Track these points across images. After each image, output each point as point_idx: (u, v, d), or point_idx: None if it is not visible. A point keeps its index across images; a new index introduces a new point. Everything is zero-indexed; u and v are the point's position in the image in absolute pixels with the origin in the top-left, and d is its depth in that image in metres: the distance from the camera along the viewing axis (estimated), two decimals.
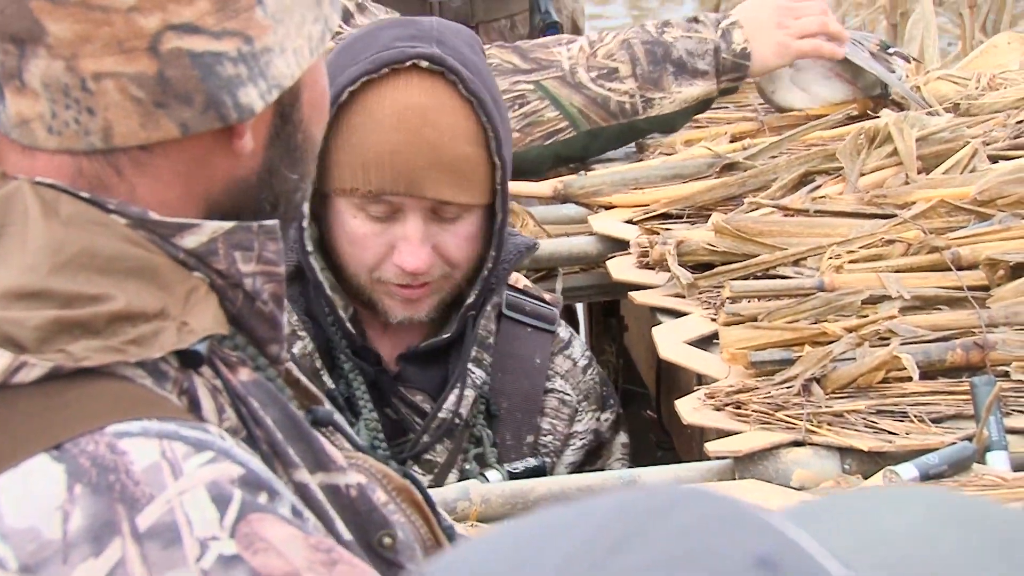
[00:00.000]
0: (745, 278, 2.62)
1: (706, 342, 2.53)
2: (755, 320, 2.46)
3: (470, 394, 2.44)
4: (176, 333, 1.30)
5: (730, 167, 3.04)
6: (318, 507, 1.33)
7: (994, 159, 2.98)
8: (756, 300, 2.53)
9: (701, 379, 2.46)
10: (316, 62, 1.42)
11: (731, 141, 3.23)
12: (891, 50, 3.38)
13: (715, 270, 2.67)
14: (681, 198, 2.94)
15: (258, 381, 1.35)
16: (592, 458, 2.57)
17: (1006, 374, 2.33)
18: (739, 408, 2.32)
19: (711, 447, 2.24)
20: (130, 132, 1.34)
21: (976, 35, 8.89)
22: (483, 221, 2.41)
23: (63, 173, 1.35)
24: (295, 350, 2.45)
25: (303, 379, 1.48)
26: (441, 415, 2.42)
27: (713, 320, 2.54)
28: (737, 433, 2.28)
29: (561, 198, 3.08)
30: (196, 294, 1.33)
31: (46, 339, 1.27)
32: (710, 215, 2.83)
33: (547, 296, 2.58)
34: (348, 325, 2.44)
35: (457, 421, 2.43)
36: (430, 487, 2.41)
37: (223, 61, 1.35)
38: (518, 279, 2.58)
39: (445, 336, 2.44)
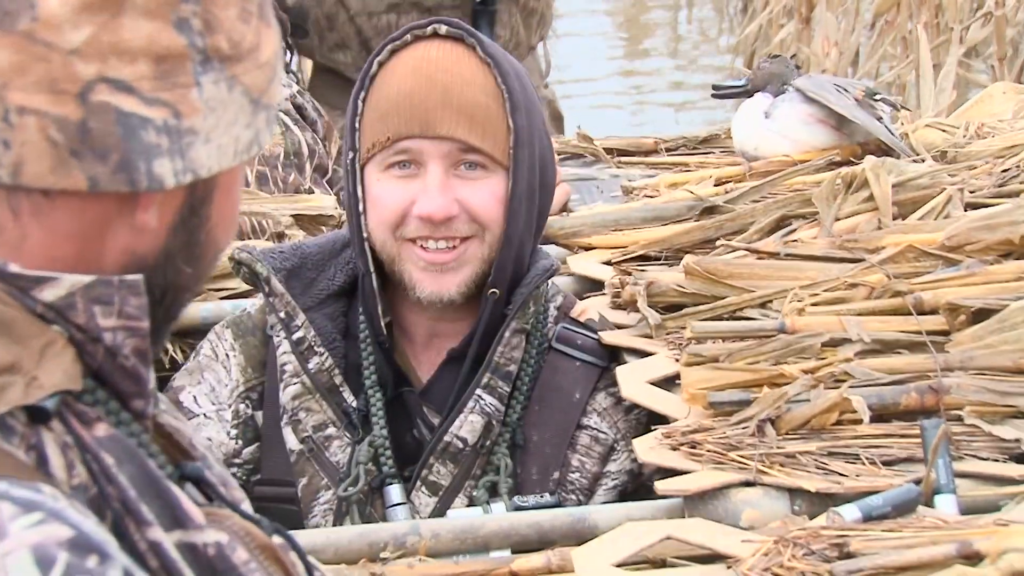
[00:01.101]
0: (712, 320, 2.64)
1: (670, 382, 2.55)
2: (716, 361, 2.48)
3: (476, 420, 2.46)
4: (23, 389, 1.30)
5: (710, 210, 3.07)
6: (172, 566, 1.32)
7: (976, 207, 2.99)
8: (719, 341, 2.55)
9: (666, 420, 2.47)
10: (237, 169, 1.42)
11: (715, 185, 3.26)
12: (877, 96, 3.40)
13: (683, 311, 2.69)
14: (659, 240, 2.97)
15: (115, 437, 1.35)
16: (629, 500, 2.51)
17: (960, 418, 2.34)
18: (694, 448, 2.34)
19: (660, 486, 2.26)
20: (39, 174, 1.33)
21: (1010, 84, 8.90)
22: (507, 191, 2.45)
23: None
24: (310, 365, 2.50)
25: (178, 432, 1.47)
26: (446, 438, 2.46)
27: (678, 360, 2.56)
28: (689, 472, 2.30)
29: (542, 239, 3.11)
30: (52, 348, 1.33)
31: None
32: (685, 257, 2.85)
33: (606, 337, 2.57)
34: (383, 334, 2.48)
35: (461, 446, 2.45)
36: (434, 511, 2.44)
37: (148, 127, 1.34)
38: (584, 311, 2.60)
39: (470, 336, 2.47)
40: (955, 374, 2.40)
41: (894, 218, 2.92)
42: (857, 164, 3.17)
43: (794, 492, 2.24)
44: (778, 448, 2.30)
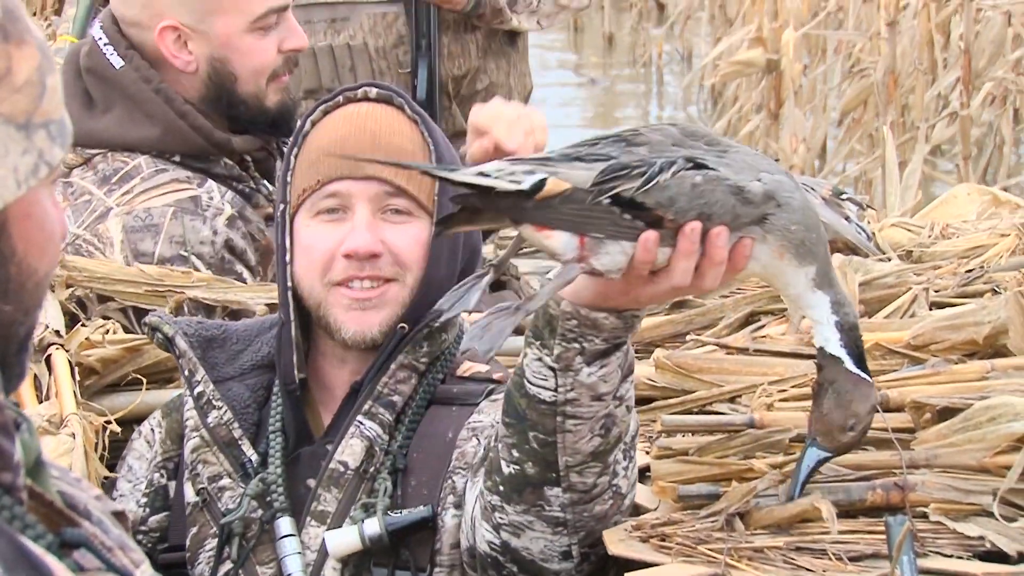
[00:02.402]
0: (682, 413, 2.68)
1: (640, 474, 2.57)
2: (686, 454, 2.51)
3: (356, 444, 2.53)
4: None
5: (680, 304, 3.11)
6: None
7: (940, 306, 3.04)
8: (689, 435, 2.58)
9: (638, 509, 2.50)
10: (31, 194, 1.40)
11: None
12: (844, 196, 3.45)
13: (653, 404, 2.73)
14: None
15: None
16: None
17: (925, 515, 2.38)
18: (664, 540, 2.37)
19: None
20: None
21: (975, 185, 9.03)
22: (429, 238, 2.56)
23: None
24: (209, 419, 2.59)
25: (58, 500, 1.46)
26: (331, 465, 2.50)
27: (647, 452, 2.59)
28: (659, 564, 2.32)
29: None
30: None
31: None
32: (656, 350, 2.89)
33: (496, 375, 2.63)
34: (293, 383, 2.57)
35: (342, 470, 2.51)
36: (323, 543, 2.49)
37: None
38: (469, 368, 2.65)
39: (375, 362, 2.55)
40: (920, 471, 2.43)
41: (860, 316, 2.96)
42: None
43: None
44: (746, 543, 2.33)
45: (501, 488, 2.33)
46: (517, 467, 2.31)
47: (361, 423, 2.55)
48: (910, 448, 2.49)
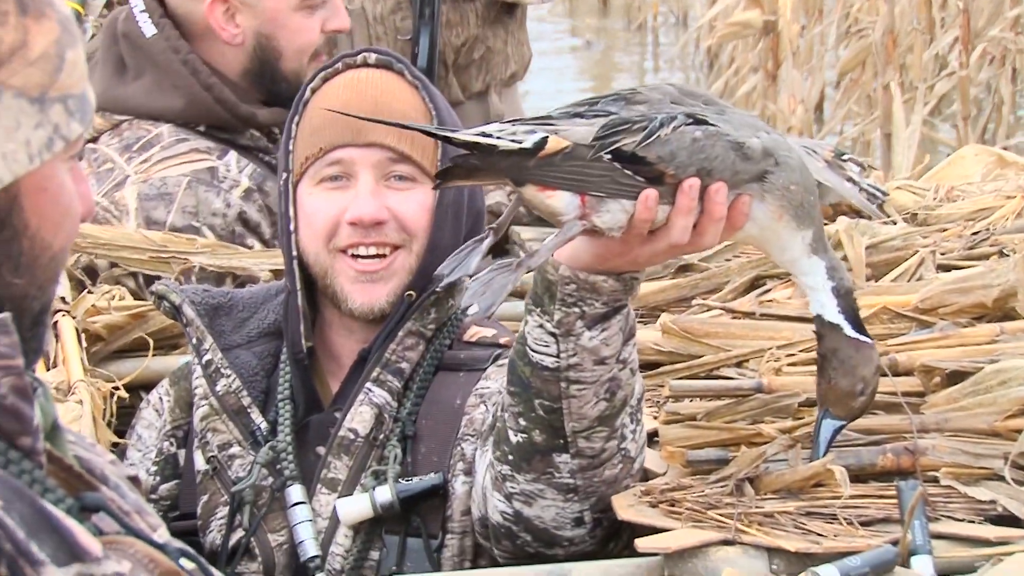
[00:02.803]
0: (689, 378, 2.67)
1: (648, 439, 2.57)
2: (694, 419, 2.51)
3: (366, 411, 2.53)
4: None
5: (685, 268, 3.10)
6: None
7: (947, 268, 3.03)
8: (697, 400, 2.57)
9: (646, 474, 2.50)
10: (46, 168, 1.40)
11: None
12: (845, 157, 3.44)
13: (660, 369, 2.72)
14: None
15: (1, 478, 1.36)
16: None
17: (936, 480, 2.37)
18: (673, 505, 2.36)
19: (641, 543, 2.28)
20: None
21: (980, 146, 9.00)
22: (434, 202, 2.55)
23: None
24: (217, 387, 2.58)
25: (88, 463, 1.48)
26: (340, 433, 2.50)
27: (655, 418, 2.59)
28: (669, 530, 2.32)
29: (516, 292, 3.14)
30: None
31: None
32: (661, 315, 2.88)
33: (503, 339, 2.62)
34: (301, 352, 2.56)
35: (352, 437, 2.50)
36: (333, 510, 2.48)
37: None
38: (476, 333, 2.64)
39: (383, 330, 2.54)
40: (931, 436, 2.43)
41: (867, 279, 2.96)
42: (829, 225, 3.20)
43: (772, 551, 2.26)
44: (756, 507, 2.33)
45: (510, 457, 2.32)
46: (525, 435, 2.30)
47: (370, 390, 2.54)
48: (920, 412, 2.48)
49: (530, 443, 2.30)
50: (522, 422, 2.29)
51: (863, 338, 2.32)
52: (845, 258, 2.97)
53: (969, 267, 3.01)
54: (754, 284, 2.99)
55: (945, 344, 2.61)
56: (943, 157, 9.13)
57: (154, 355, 2.83)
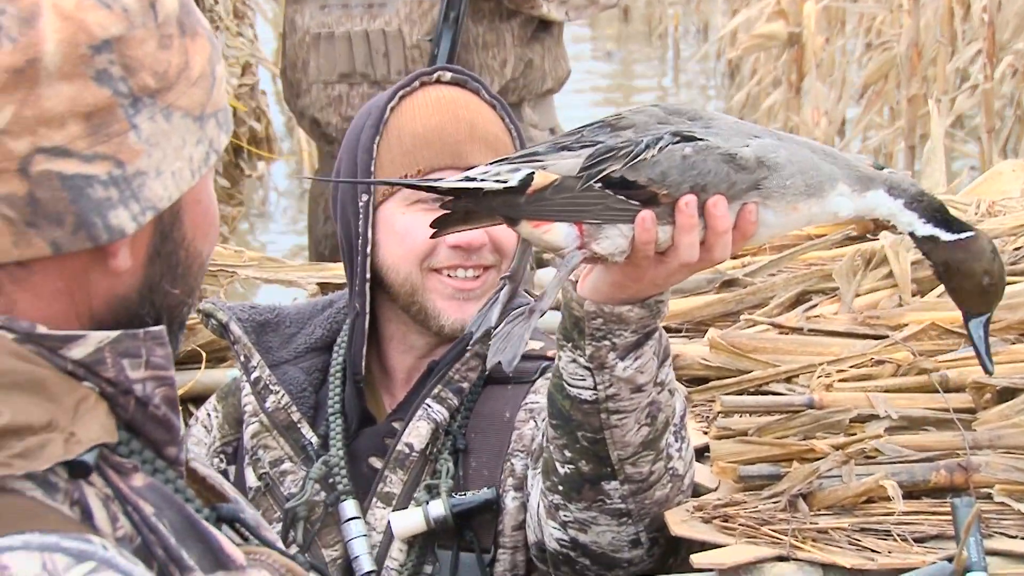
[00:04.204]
0: (738, 393, 2.67)
1: (698, 454, 2.57)
2: (745, 435, 2.51)
3: (423, 426, 2.53)
4: (63, 445, 1.33)
5: (729, 283, 3.10)
6: None
7: None
8: (747, 415, 2.58)
9: (696, 489, 2.50)
10: (201, 181, 1.45)
11: (732, 257, 3.29)
12: (884, 171, 3.44)
13: (709, 384, 2.72)
14: (680, 313, 3.00)
15: (153, 485, 1.39)
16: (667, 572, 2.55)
17: (989, 496, 2.37)
18: (726, 521, 2.37)
19: (697, 559, 2.29)
20: (3, 250, 1.38)
21: (995, 159, 9.02)
22: None
23: None
24: (267, 404, 2.58)
25: (210, 476, 1.52)
26: (398, 448, 2.51)
27: (705, 433, 2.59)
28: (723, 546, 2.32)
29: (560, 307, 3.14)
30: (85, 404, 1.37)
31: None
32: (708, 330, 2.88)
33: (550, 352, 2.62)
34: (360, 373, 2.57)
35: (408, 452, 2.51)
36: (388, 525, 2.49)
37: (93, 184, 1.38)
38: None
39: (454, 348, 2.55)
40: (983, 452, 2.43)
41: (913, 295, 2.96)
42: (873, 239, 3.21)
43: (827, 568, 2.26)
44: (811, 523, 2.33)
45: (560, 488, 2.33)
46: (572, 466, 2.31)
47: (430, 406, 2.55)
48: (972, 429, 2.49)
49: (577, 473, 2.31)
50: (567, 453, 2.30)
51: (962, 235, 2.23)
52: (890, 275, 2.98)
53: (1013, 283, 3.01)
54: (800, 299, 3.00)
55: (995, 361, 2.61)
56: (966, 169, 9.13)
57: (204, 368, 2.84)
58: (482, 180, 2.14)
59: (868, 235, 3.33)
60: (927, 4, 9.08)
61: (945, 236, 2.21)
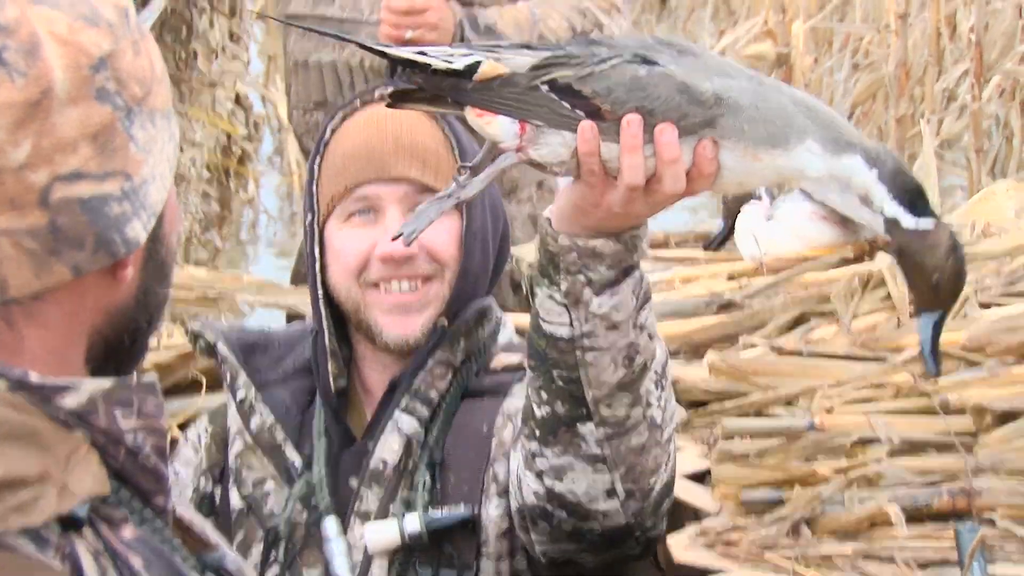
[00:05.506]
0: (739, 416, 2.67)
1: (699, 478, 2.57)
2: (747, 458, 2.51)
3: (393, 439, 2.52)
4: (56, 498, 1.32)
5: (727, 306, 3.10)
6: None
7: (986, 306, 3.03)
8: (748, 438, 2.57)
9: (698, 513, 2.50)
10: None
11: (728, 280, 3.30)
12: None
13: (709, 407, 2.72)
14: (678, 336, 3.00)
15: (141, 538, 1.37)
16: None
17: (992, 521, 2.37)
18: (729, 546, 2.36)
19: None
20: (25, 283, 1.36)
21: (983, 179, 9.04)
22: (462, 229, 2.55)
23: None
24: (252, 424, 2.58)
25: (195, 522, 1.49)
26: (371, 464, 2.51)
27: (706, 457, 2.59)
28: (724, 571, 2.32)
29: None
30: (77, 454, 1.35)
31: None
32: (706, 353, 2.88)
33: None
34: (330, 392, 2.56)
35: (382, 467, 2.50)
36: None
37: (109, 202, 1.38)
38: (501, 362, 2.64)
39: (414, 360, 2.53)
40: (985, 476, 2.43)
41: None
42: (869, 261, 3.21)
43: None
44: (814, 550, 2.33)
45: (537, 432, 2.32)
46: (548, 408, 2.30)
47: (399, 419, 2.55)
48: (973, 452, 2.48)
49: (553, 415, 2.29)
50: (544, 395, 2.29)
51: (922, 223, 2.06)
52: (888, 297, 2.98)
53: (1009, 304, 3.01)
54: (798, 321, 2.99)
55: (995, 384, 2.62)
56: (954, 189, 9.15)
57: (204, 393, 2.83)
58: (432, 57, 2.13)
59: (865, 257, 3.33)
60: (914, 24, 9.11)
61: (906, 221, 2.06)
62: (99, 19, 1.39)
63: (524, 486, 2.35)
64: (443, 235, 2.56)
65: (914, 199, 2.06)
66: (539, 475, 2.31)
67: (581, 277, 2.19)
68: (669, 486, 2.26)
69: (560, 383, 2.25)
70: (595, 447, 2.27)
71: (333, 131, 2.61)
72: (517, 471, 2.38)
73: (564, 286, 2.20)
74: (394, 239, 2.22)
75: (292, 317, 2.99)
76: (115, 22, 1.40)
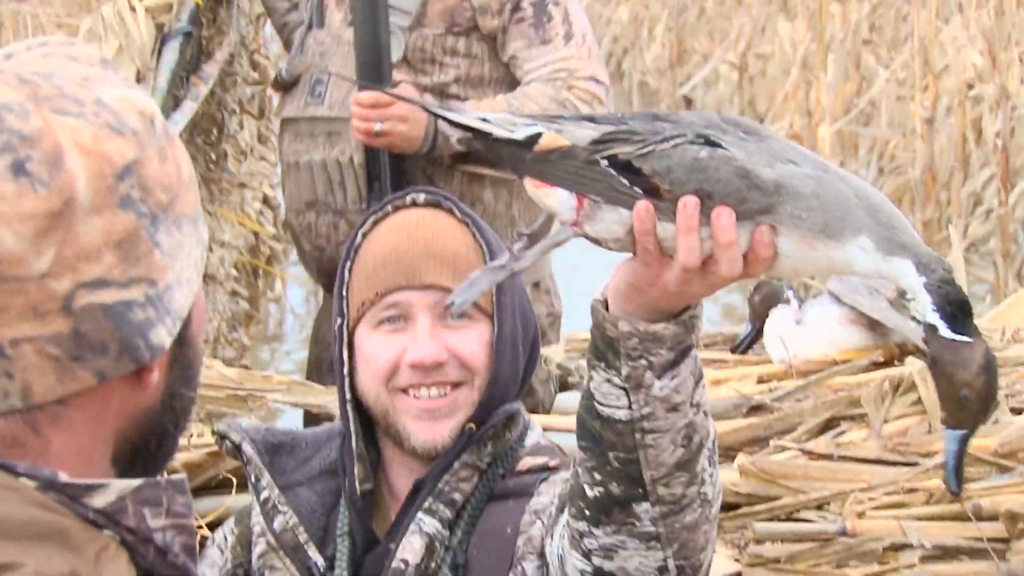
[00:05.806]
0: (769, 520, 2.66)
1: None
2: (778, 562, 2.50)
3: (415, 540, 2.51)
4: None
5: (757, 408, 3.10)
6: None
7: (1018, 411, 3.02)
8: (779, 543, 2.56)
9: None
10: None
11: (758, 382, 3.29)
12: (908, 296, 3.45)
13: (739, 511, 2.71)
14: None
15: None
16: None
17: None
18: None
19: None
20: (48, 389, 1.37)
21: (1010, 282, 9.04)
22: (493, 337, 2.54)
23: None
24: (275, 524, 2.58)
25: None
26: (393, 564, 2.49)
27: (737, 560, 2.58)
28: None
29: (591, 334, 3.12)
30: (106, 553, 1.35)
31: None
32: (736, 455, 2.87)
33: (552, 463, 2.61)
34: (356, 495, 2.55)
35: (403, 567, 2.49)
36: None
37: (133, 308, 1.38)
38: (527, 464, 2.64)
39: (440, 462, 2.52)
40: None
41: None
42: (899, 365, 3.21)
43: None
44: None
45: (587, 512, 2.30)
46: (601, 488, 2.28)
47: (422, 520, 2.54)
48: (1005, 559, 2.47)
49: (608, 495, 2.28)
50: (597, 476, 2.28)
51: (960, 337, 2.05)
52: (919, 401, 2.97)
53: None
54: (828, 425, 2.99)
55: None
56: (987, 294, 9.16)
57: (235, 493, 2.83)
58: (494, 126, 2.14)
59: (895, 361, 3.33)
60: (940, 129, 9.15)
61: (943, 330, 2.05)
62: (124, 127, 1.41)
63: (568, 565, 2.34)
64: (473, 343, 2.57)
65: (956, 312, 2.05)
66: (587, 554, 2.30)
67: (643, 361, 2.19)
68: (710, 563, 2.26)
69: (616, 464, 2.25)
70: (650, 525, 2.27)
71: (364, 235, 2.62)
72: (559, 552, 2.36)
73: (625, 371, 2.20)
74: (445, 308, 2.22)
75: (309, 417, 2.99)
76: (140, 130, 1.41)
